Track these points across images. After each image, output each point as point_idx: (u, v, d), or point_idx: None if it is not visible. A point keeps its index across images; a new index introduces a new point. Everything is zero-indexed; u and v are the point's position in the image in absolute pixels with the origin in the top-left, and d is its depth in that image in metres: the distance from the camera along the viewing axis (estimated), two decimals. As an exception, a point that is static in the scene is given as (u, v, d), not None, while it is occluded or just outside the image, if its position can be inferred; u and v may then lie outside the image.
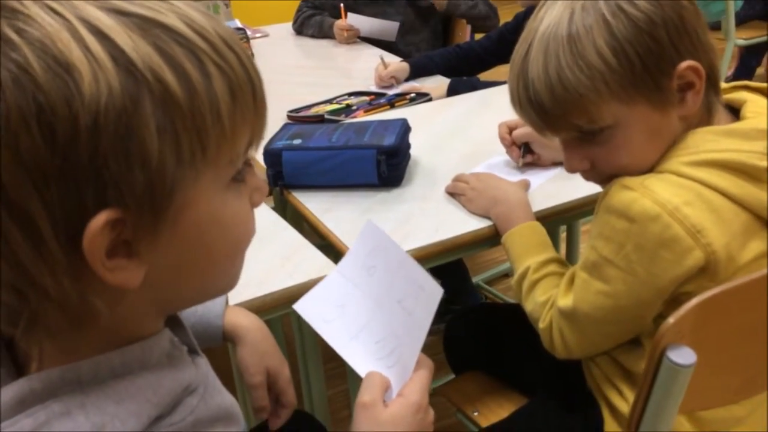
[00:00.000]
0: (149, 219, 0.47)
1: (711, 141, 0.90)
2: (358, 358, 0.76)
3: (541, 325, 1.07)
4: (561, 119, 0.92)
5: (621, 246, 0.91)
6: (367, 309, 0.78)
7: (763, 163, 0.87)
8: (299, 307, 0.81)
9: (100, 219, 0.45)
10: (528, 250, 1.15)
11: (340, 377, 2.02)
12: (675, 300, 0.92)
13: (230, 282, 0.59)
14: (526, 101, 0.94)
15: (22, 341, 0.54)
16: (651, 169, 0.94)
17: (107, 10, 0.45)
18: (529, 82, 0.92)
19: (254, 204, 0.57)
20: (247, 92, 0.51)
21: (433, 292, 0.72)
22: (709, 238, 0.86)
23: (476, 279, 2.42)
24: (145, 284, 0.49)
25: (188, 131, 0.46)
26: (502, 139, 1.46)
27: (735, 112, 0.97)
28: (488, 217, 1.27)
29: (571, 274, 1.03)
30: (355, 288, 0.79)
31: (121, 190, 0.45)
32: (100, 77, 0.43)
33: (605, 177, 0.98)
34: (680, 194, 0.87)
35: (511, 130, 1.45)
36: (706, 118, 0.95)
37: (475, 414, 1.29)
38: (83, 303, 0.48)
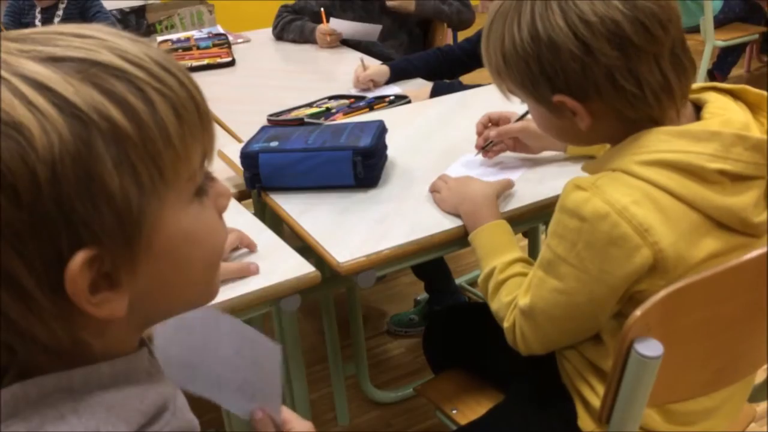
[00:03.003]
0: (124, 250, 0.49)
1: (663, 141, 0.92)
2: (233, 405, 0.79)
3: (506, 324, 1.09)
4: (497, 81, 1.03)
5: (573, 244, 0.94)
6: (210, 362, 0.78)
7: (712, 165, 0.89)
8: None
9: (78, 260, 0.46)
10: (493, 250, 1.17)
11: (324, 380, 2.02)
12: (631, 298, 0.94)
13: (211, 291, 0.60)
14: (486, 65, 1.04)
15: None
16: (609, 156, 0.97)
17: (41, 60, 0.46)
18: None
19: (221, 209, 0.59)
20: (191, 110, 0.52)
21: (274, 350, 0.75)
22: (656, 236, 0.88)
23: (459, 280, 2.43)
24: (130, 309, 0.51)
25: (143, 160, 0.48)
26: (477, 126, 1.48)
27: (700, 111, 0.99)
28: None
29: (533, 274, 1.05)
30: (184, 347, 0.78)
31: (92, 229, 0.46)
32: (49, 128, 0.44)
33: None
34: (629, 194, 0.89)
35: (492, 122, 1.47)
36: (675, 119, 0.96)
37: (454, 412, 1.30)
38: (74, 343, 0.50)
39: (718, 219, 0.91)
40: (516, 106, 1.22)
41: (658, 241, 0.88)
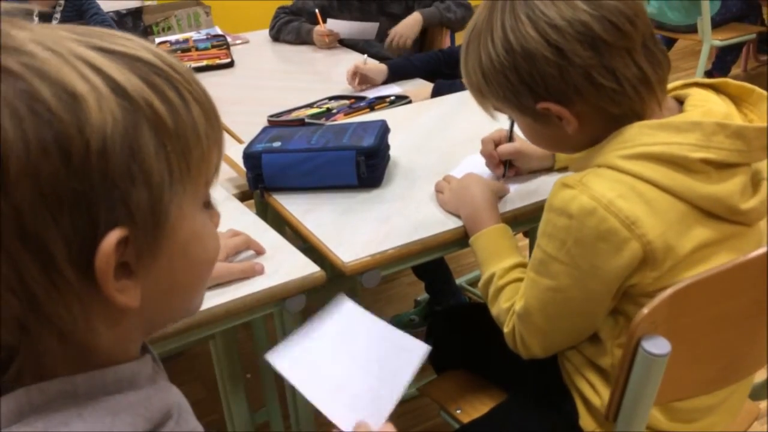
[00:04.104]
0: (150, 236, 0.51)
1: (646, 134, 0.93)
2: (332, 410, 0.82)
3: (506, 329, 1.10)
4: (480, 99, 1.06)
5: (563, 242, 0.94)
6: (341, 368, 0.85)
7: (695, 155, 0.90)
8: (271, 358, 0.86)
9: (113, 237, 0.48)
10: (493, 256, 1.17)
11: (325, 381, 2.02)
12: (625, 293, 0.95)
13: (200, 302, 0.63)
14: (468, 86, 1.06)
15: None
16: (594, 153, 0.97)
17: (93, 48, 0.49)
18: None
19: (214, 226, 0.61)
20: (214, 117, 0.55)
21: (417, 350, 0.83)
22: (644, 228, 0.89)
23: (460, 280, 2.43)
24: (139, 306, 0.52)
25: (176, 152, 0.51)
26: (490, 157, 1.41)
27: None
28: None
29: (526, 276, 1.05)
30: (327, 349, 0.86)
31: (128, 208, 0.48)
32: (104, 106, 0.47)
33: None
34: (614, 188, 0.90)
35: (495, 144, 1.41)
36: (657, 111, 0.97)
37: (458, 411, 1.30)
38: (87, 330, 0.51)
39: (705, 208, 0.92)
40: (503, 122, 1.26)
41: (646, 233, 0.89)
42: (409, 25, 2.61)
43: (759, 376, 1.17)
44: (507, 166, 1.41)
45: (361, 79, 2.21)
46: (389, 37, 2.62)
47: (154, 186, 0.49)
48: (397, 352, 0.83)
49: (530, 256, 1.92)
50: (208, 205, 0.59)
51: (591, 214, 0.90)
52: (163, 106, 0.50)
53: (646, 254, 0.90)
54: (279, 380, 1.05)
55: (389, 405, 0.81)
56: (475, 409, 1.29)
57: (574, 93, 0.93)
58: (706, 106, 0.95)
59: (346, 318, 0.88)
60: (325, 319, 0.89)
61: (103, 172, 0.47)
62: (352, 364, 0.84)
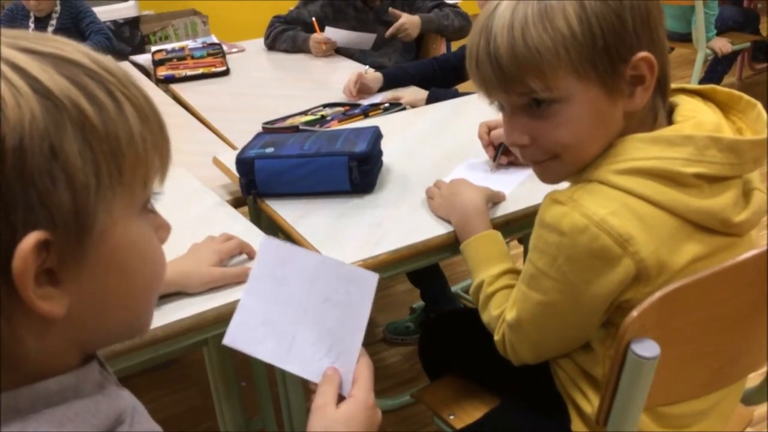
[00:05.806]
0: (74, 243, 0.49)
1: (638, 149, 0.91)
2: (301, 366, 0.81)
3: (496, 337, 1.10)
4: (516, 79, 0.91)
5: (554, 258, 0.93)
6: (292, 317, 0.82)
7: (688, 169, 0.88)
8: (228, 341, 0.85)
9: (30, 240, 0.46)
10: (483, 262, 1.17)
11: (320, 388, 2.02)
12: (619, 307, 0.94)
13: (145, 322, 0.61)
14: (484, 56, 0.92)
15: None
16: (586, 167, 0.94)
17: (19, 49, 0.49)
18: (492, 36, 0.90)
19: (161, 240, 0.60)
20: (154, 120, 0.55)
21: (366, 281, 0.79)
22: (637, 246, 0.88)
23: (455, 288, 2.43)
24: (68, 318, 0.50)
25: (105, 154, 0.50)
26: (481, 138, 1.48)
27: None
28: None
29: (517, 289, 1.05)
30: (271, 303, 0.83)
31: (49, 210, 0.47)
32: (23, 103, 0.46)
33: (544, 156, 0.98)
34: (606, 205, 0.88)
35: (490, 129, 1.47)
36: (650, 122, 0.96)
37: (451, 417, 1.30)
38: (12, 339, 0.49)
39: (698, 222, 0.91)
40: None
41: (639, 250, 0.88)
42: (414, 21, 2.62)
43: (752, 382, 1.17)
44: (499, 151, 1.42)
45: (360, 88, 2.22)
46: (394, 27, 2.59)
47: (78, 188, 0.48)
48: (345, 287, 0.79)
49: (524, 264, 1.93)
50: (150, 213, 0.57)
51: (583, 231, 0.88)
52: (90, 107, 0.49)
53: (639, 271, 0.89)
54: (274, 387, 1.04)
55: (355, 345, 0.79)
56: (468, 414, 1.29)
57: (654, 38, 0.91)
58: (697, 117, 0.94)
59: (281, 264, 0.84)
60: (261, 273, 0.85)
61: (18, 170, 0.45)
62: (302, 314, 0.81)
